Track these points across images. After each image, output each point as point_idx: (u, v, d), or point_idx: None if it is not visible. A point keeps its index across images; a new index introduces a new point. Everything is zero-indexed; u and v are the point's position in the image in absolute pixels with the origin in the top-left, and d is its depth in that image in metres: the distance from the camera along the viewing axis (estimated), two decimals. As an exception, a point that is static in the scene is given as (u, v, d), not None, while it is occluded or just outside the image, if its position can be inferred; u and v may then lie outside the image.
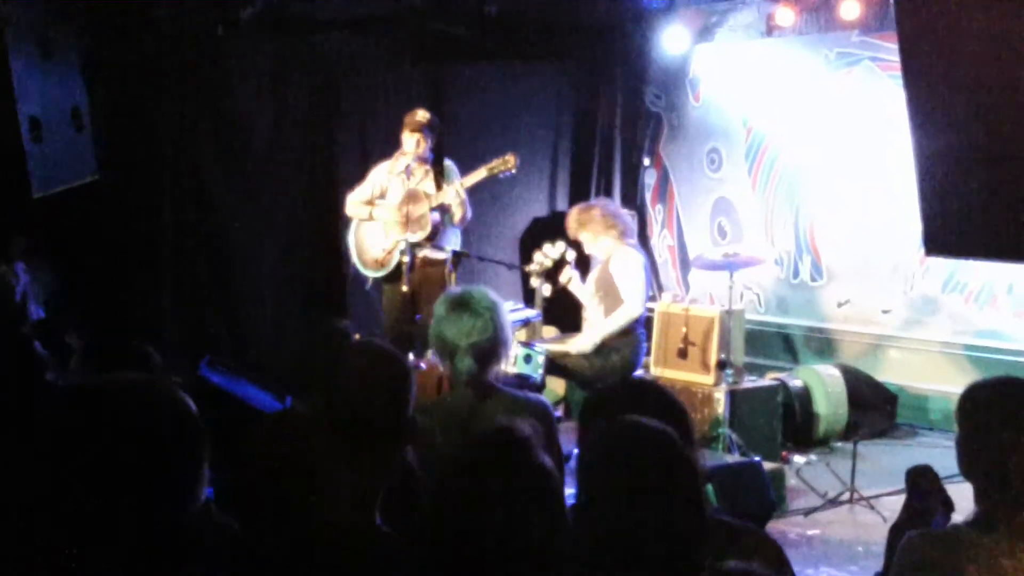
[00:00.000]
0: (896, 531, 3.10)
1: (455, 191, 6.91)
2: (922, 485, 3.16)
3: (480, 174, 6.97)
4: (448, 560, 1.90)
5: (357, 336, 6.27)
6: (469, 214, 7.13)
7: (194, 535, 1.44)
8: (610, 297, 6.60)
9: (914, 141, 4.58)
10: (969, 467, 2.73)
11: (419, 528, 2.06)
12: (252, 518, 2.66)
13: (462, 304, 3.60)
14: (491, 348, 3.59)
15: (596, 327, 6.57)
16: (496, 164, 6.91)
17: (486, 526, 1.88)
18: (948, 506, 3.13)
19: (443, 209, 7.01)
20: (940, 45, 4.44)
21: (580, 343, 6.53)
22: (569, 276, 6.69)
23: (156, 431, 1.42)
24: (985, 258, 6.01)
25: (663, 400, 2.73)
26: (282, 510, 2.49)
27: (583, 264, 7.35)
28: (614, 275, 6.57)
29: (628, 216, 6.97)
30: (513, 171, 6.95)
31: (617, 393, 2.85)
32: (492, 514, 1.88)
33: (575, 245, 6.83)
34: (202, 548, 1.47)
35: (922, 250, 7.70)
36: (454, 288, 3.85)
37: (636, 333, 6.56)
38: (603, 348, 6.48)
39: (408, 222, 6.95)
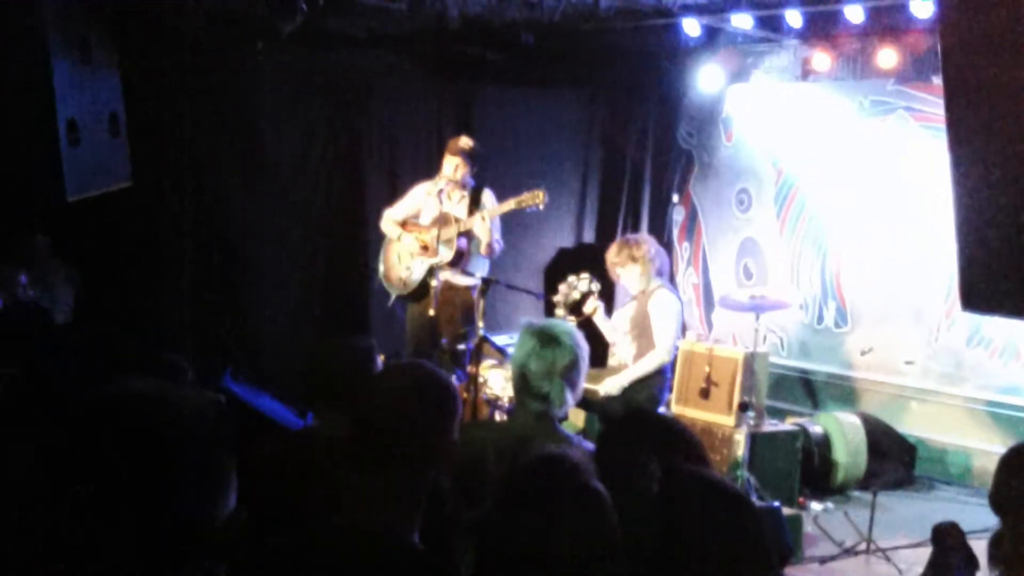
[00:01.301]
0: None
1: (480, 219, 6.93)
2: (947, 541, 3.14)
3: (508, 205, 6.99)
4: None
5: (381, 357, 6.29)
6: (497, 246, 7.14)
7: (221, 541, 1.43)
8: (644, 338, 6.62)
9: (955, 195, 4.55)
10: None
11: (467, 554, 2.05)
12: (273, 531, 2.64)
13: (553, 339, 3.63)
14: (578, 379, 3.67)
15: (625, 371, 6.58)
16: (525, 198, 6.93)
17: (536, 549, 1.87)
18: (972, 563, 3.10)
19: (469, 236, 7.03)
20: (987, 98, 4.41)
21: (608, 386, 6.52)
22: (594, 306, 6.70)
23: (181, 438, 1.42)
24: (1020, 316, 5.96)
25: (683, 438, 2.70)
26: (308, 526, 2.47)
27: (607, 296, 7.34)
28: (651, 316, 6.59)
29: (658, 251, 6.97)
30: (541, 207, 6.97)
31: (639, 427, 2.84)
32: (543, 537, 1.87)
33: (601, 277, 6.84)
34: (229, 553, 1.47)
35: (948, 302, 7.71)
36: (535, 321, 3.86)
37: (663, 373, 6.59)
38: (630, 385, 6.51)
39: (435, 245, 6.98)
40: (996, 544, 2.72)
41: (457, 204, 7.13)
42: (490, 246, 7.07)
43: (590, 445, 3.84)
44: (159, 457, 1.39)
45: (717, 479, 2.18)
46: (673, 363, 6.93)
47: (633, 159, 9.71)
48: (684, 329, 9.19)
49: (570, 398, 3.61)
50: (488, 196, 7.23)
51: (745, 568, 1.98)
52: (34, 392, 2.99)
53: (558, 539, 1.89)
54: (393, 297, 7.39)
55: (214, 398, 1.58)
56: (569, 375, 3.59)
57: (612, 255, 6.75)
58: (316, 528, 2.31)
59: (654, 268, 6.64)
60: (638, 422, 2.93)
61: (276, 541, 2.32)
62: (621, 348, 6.72)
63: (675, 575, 1.96)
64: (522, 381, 3.62)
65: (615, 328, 6.77)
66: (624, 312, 6.79)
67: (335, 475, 2.75)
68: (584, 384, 6.31)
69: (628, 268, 6.65)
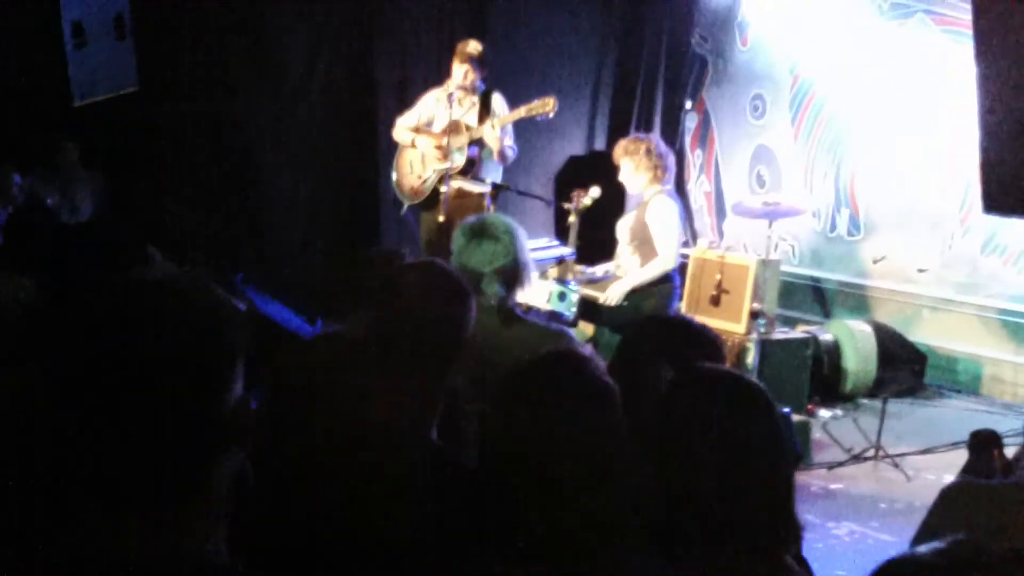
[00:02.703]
0: None
1: (491, 128, 6.86)
2: (984, 447, 3.13)
3: (518, 113, 6.91)
4: (504, 478, 1.87)
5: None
6: (511, 152, 7.08)
7: (229, 429, 1.44)
8: (646, 246, 6.55)
9: (980, 98, 4.49)
10: None
11: (476, 447, 2.03)
12: (295, 438, 2.65)
13: (481, 231, 3.63)
14: (514, 271, 3.63)
15: (627, 278, 6.52)
16: (535, 105, 6.84)
17: (546, 441, 1.85)
18: (1008, 470, 3.08)
19: (480, 144, 6.97)
20: (1017, 5, 4.33)
21: (611, 293, 6.47)
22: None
23: (192, 323, 1.41)
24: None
25: (703, 339, 2.69)
26: (331, 429, 2.47)
27: (619, 205, 7.28)
28: (650, 225, 6.50)
29: (672, 159, 6.88)
30: (551, 115, 6.88)
31: (659, 329, 2.82)
32: (553, 430, 1.85)
33: (612, 184, 6.78)
34: (239, 441, 1.47)
35: (964, 209, 7.64)
36: (468, 218, 3.83)
37: (671, 281, 6.52)
38: (636, 293, 6.44)
39: (446, 153, 6.92)
40: None
41: (468, 111, 7.05)
42: (502, 153, 7.01)
43: (557, 326, 3.84)
44: (169, 342, 1.39)
45: (729, 373, 2.11)
46: (682, 270, 6.90)
47: (646, 64, 9.57)
48: (695, 236, 9.19)
49: (506, 289, 3.59)
50: (498, 100, 7.14)
51: (756, 465, 1.90)
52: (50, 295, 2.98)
53: (563, 434, 1.86)
54: (405, 206, 7.36)
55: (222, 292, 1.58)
56: (503, 266, 3.58)
57: (616, 149, 6.69)
58: (338, 425, 2.31)
59: (651, 166, 6.48)
60: (658, 326, 2.92)
61: (300, 438, 2.32)
62: (624, 259, 6.66)
63: (681, 472, 1.91)
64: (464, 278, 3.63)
65: (618, 241, 6.69)
66: (624, 223, 6.69)
67: (358, 376, 2.75)
68: (585, 291, 6.34)
69: (624, 162, 6.54)
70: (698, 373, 2.09)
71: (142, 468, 1.37)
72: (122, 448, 1.36)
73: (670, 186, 6.76)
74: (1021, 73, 4.25)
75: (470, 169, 6.98)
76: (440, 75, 7.43)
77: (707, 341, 2.64)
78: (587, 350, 2.01)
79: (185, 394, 1.38)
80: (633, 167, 6.48)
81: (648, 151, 6.47)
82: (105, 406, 1.36)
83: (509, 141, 7.07)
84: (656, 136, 7.34)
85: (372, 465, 2.17)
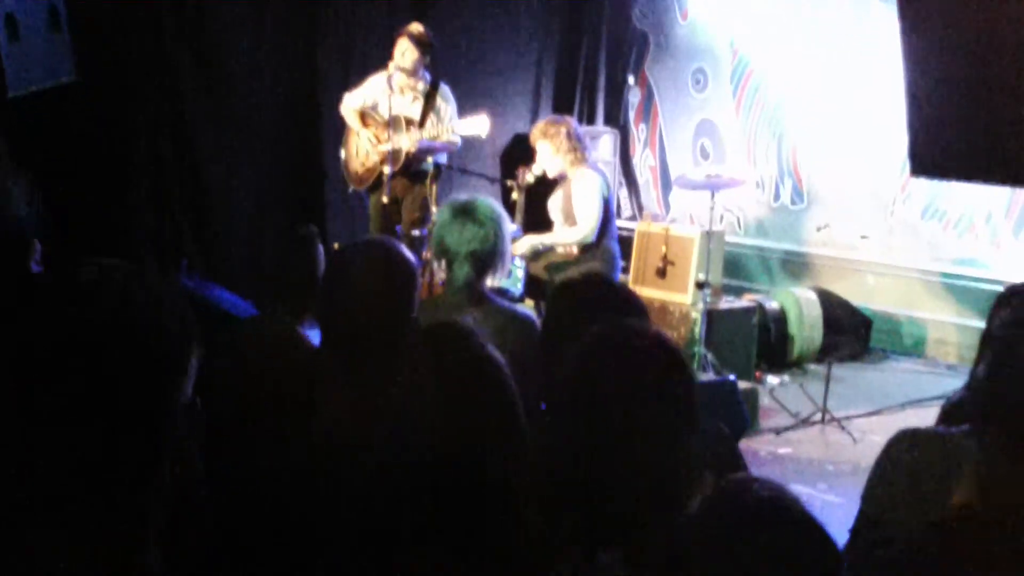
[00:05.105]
0: None
1: (448, 130, 6.87)
2: None
3: (452, 130, 6.91)
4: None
5: (336, 245, 6.28)
6: (454, 145, 7.08)
7: (178, 431, 1.41)
8: (570, 220, 6.62)
9: (905, 65, 4.57)
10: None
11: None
12: (235, 423, 2.64)
13: (466, 212, 3.61)
14: (489, 258, 3.61)
15: (542, 236, 6.65)
16: (469, 124, 6.84)
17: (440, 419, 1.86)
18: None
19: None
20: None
21: (521, 245, 6.54)
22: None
23: (143, 322, 1.38)
24: (967, 179, 6.01)
25: (627, 302, 2.71)
26: (276, 415, 2.46)
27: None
28: (573, 198, 6.57)
29: (589, 140, 6.97)
30: (483, 136, 6.91)
31: (583, 289, 2.84)
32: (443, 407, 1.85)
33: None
34: (188, 445, 1.44)
35: (903, 176, 7.75)
36: (460, 196, 3.83)
37: (611, 250, 6.57)
38: (580, 262, 6.50)
39: (387, 142, 6.89)
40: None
41: (411, 104, 7.00)
42: (448, 149, 7.05)
43: (524, 311, 3.87)
44: (115, 343, 1.35)
45: (654, 332, 2.04)
46: (629, 244, 6.96)
47: (588, 40, 9.59)
48: (640, 209, 9.24)
49: (475, 273, 3.57)
50: (444, 94, 7.08)
51: (665, 426, 1.85)
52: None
53: (452, 412, 1.86)
54: (352, 186, 7.35)
55: (174, 282, 1.56)
56: (478, 250, 3.56)
57: (534, 132, 6.76)
58: (284, 423, 2.30)
59: (571, 148, 6.54)
60: (582, 285, 2.94)
61: (240, 438, 2.31)
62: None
63: (590, 428, 1.86)
64: (440, 255, 3.63)
65: (552, 221, 6.73)
66: (554, 202, 6.74)
67: (302, 362, 2.74)
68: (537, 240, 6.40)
69: (542, 144, 6.61)
70: (620, 327, 2.05)
71: (74, 480, 1.33)
72: (53, 459, 1.32)
73: (587, 163, 6.76)
74: (943, 35, 4.32)
75: (407, 167, 6.95)
76: (383, 57, 7.38)
77: (632, 305, 2.66)
78: (467, 322, 2.00)
79: (122, 400, 1.34)
80: (553, 150, 6.55)
81: (568, 134, 6.54)
82: (34, 414, 1.32)
83: (455, 139, 7.06)
84: (572, 118, 7.37)
85: (318, 466, 2.16)
